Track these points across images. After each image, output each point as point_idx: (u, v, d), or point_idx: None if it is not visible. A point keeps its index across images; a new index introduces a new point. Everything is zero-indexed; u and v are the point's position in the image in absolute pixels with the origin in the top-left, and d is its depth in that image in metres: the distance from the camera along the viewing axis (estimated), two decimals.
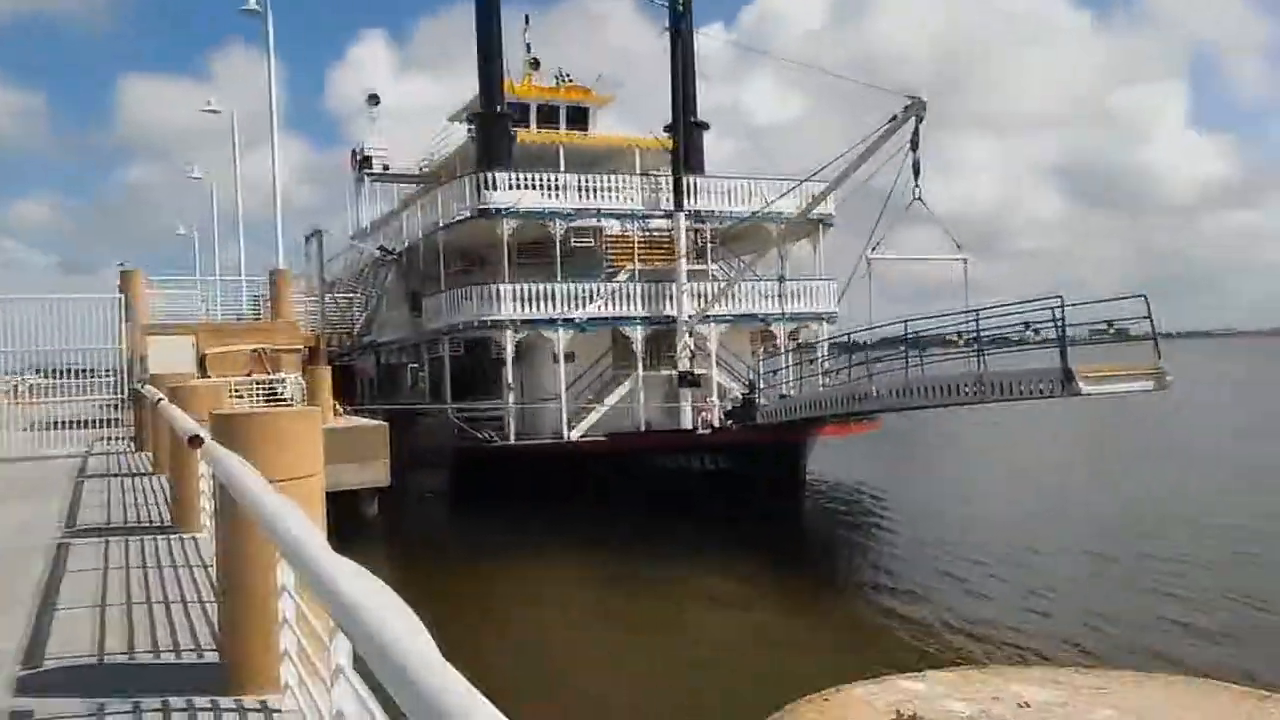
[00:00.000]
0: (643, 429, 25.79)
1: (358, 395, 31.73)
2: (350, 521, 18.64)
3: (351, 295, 33.48)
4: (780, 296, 27.16)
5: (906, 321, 18.23)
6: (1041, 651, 12.05)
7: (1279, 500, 21.25)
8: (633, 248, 28.03)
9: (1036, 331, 15.93)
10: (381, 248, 32.13)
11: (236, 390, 20.24)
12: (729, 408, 25.71)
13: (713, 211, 27.95)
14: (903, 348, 18.47)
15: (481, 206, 25.99)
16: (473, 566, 18.77)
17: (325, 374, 22.14)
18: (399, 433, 21.77)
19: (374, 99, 37.30)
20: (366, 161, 35.81)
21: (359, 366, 34.75)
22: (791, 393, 25.52)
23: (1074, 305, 15.11)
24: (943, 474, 30.81)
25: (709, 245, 28.86)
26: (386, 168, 35.90)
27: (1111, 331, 15.74)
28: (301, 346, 24.16)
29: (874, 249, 18.97)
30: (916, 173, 18.86)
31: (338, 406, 22.45)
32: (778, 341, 28.21)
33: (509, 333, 25.43)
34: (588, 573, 18.25)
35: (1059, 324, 15.63)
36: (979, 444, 37.01)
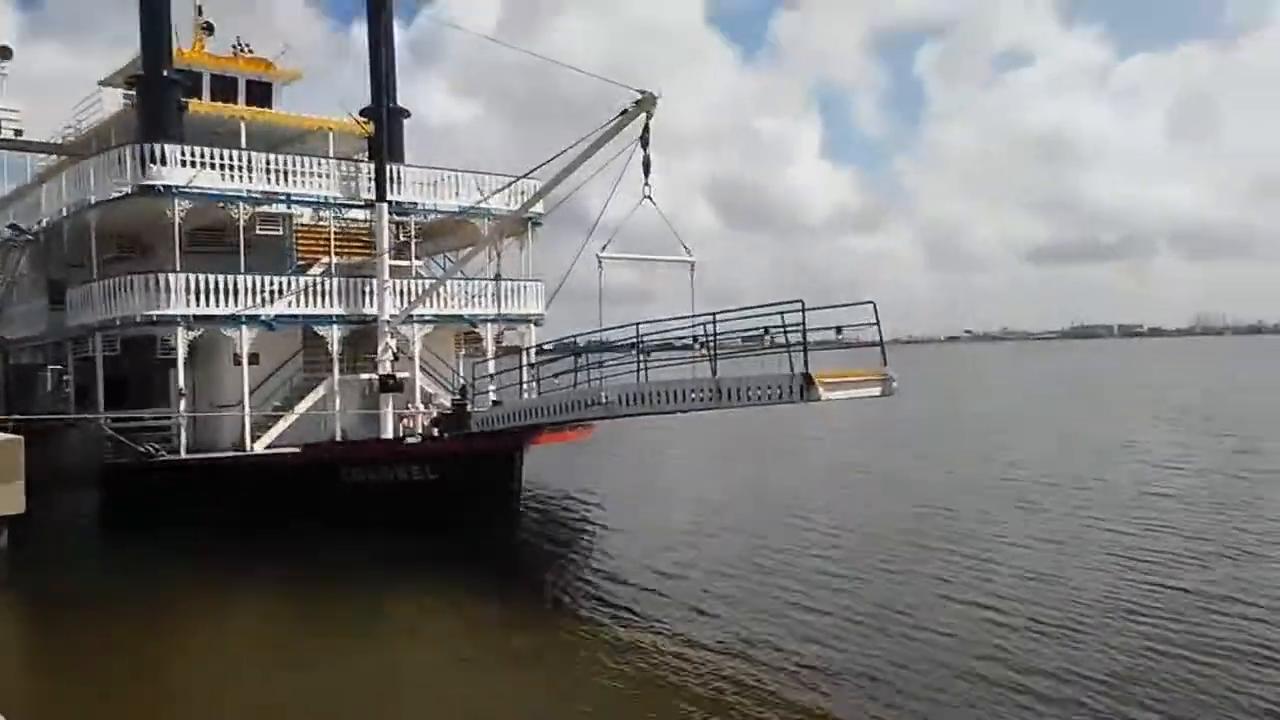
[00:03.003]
0: (339, 439, 23.35)
1: None
2: None
3: None
4: (495, 296, 25.66)
5: (639, 325, 17.42)
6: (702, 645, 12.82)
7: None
8: (327, 239, 25.33)
9: (772, 335, 15.60)
10: (13, 225, 26.95)
11: None
12: (435, 415, 23.84)
13: (416, 204, 25.95)
14: (633, 352, 17.63)
15: (146, 183, 22.31)
16: (127, 612, 15.45)
17: None
18: (36, 449, 17.90)
19: (4, 51, 31.33)
20: None
21: None
22: (500, 399, 24.09)
23: (813, 310, 14.89)
24: (639, 480, 30.86)
25: (412, 240, 26.79)
26: (19, 133, 30.28)
27: (839, 337, 15.73)
28: None
29: (604, 247, 18.00)
30: (647, 170, 18.08)
31: None
32: (483, 344, 26.74)
33: (180, 330, 22.00)
34: (277, 611, 15.87)
35: (787, 330, 15.35)
36: (671, 445, 37.54)
